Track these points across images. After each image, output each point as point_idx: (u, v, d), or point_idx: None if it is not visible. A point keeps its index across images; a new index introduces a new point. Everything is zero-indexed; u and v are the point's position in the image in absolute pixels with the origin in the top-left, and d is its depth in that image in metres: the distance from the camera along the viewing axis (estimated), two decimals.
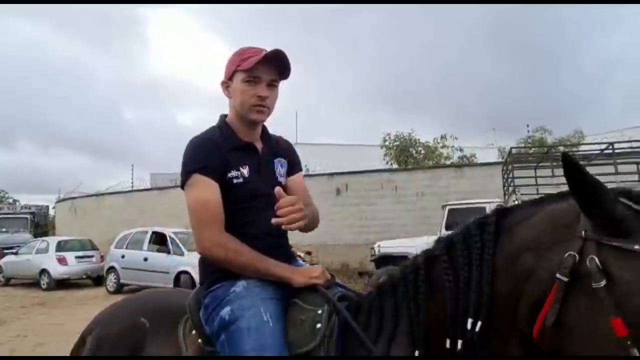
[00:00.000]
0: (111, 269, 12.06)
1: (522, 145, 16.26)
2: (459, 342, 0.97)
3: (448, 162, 17.01)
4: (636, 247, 0.80)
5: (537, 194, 9.12)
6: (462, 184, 13.11)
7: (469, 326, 0.96)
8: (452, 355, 0.99)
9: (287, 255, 1.43)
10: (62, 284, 13.36)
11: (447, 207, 9.62)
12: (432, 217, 11.30)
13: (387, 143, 17.96)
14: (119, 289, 11.73)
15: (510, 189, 9.20)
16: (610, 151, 8.50)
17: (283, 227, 1.24)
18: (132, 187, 21.19)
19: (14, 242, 17.45)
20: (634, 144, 9.06)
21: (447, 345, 0.99)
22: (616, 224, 0.83)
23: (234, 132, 1.42)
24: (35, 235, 19.75)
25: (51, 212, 26.31)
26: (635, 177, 8.98)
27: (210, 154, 1.33)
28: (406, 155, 17.45)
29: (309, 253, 10.19)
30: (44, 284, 13.05)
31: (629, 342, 0.78)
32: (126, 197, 19.12)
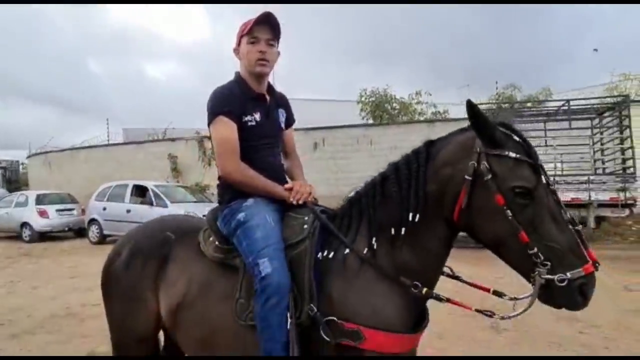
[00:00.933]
0: (93, 220, 12.30)
1: (493, 101, 16.85)
2: (403, 229, 1.45)
3: (422, 118, 17.50)
4: (505, 153, 1.33)
5: None
6: (434, 138, 13.62)
7: (410, 217, 1.44)
8: (394, 239, 1.47)
9: (283, 182, 1.84)
10: (44, 236, 13.56)
11: None
12: None
13: (363, 99, 18.25)
14: (102, 240, 12.06)
15: None
16: (566, 108, 9.16)
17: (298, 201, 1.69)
18: (109, 141, 20.95)
19: None
20: (590, 101, 9.73)
21: (392, 232, 1.47)
22: (495, 141, 1.34)
23: (248, 85, 1.80)
24: (9, 191, 19.54)
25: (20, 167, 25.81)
26: (588, 132, 9.75)
27: (231, 101, 1.71)
28: (381, 111, 17.85)
29: None
30: (26, 237, 13.23)
31: (504, 207, 1.31)
32: (102, 151, 18.91)
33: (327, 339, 1.42)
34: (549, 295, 1.30)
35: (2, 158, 24.50)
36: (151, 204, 11.12)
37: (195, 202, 11.50)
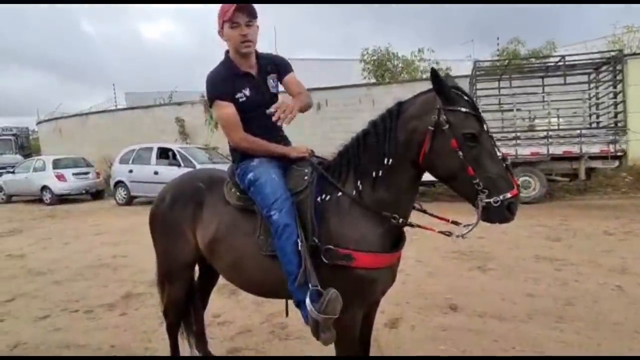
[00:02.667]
0: (119, 183, 12.76)
1: (496, 58, 16.81)
2: (380, 172, 1.86)
3: (424, 76, 17.52)
4: (458, 108, 1.71)
5: (499, 103, 10.06)
6: None
7: (385, 162, 1.85)
8: (374, 181, 1.87)
9: (280, 141, 2.19)
10: (63, 199, 14.25)
11: None
12: None
13: (365, 58, 18.20)
14: (129, 201, 12.61)
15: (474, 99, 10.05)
16: (561, 64, 9.33)
17: (279, 122, 1.88)
18: (116, 106, 21.24)
19: (6, 163, 17.98)
20: (588, 55, 9.83)
21: (373, 175, 1.88)
22: (451, 100, 1.73)
23: (235, 65, 2.07)
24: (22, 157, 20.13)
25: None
26: (585, 87, 9.94)
27: (222, 85, 2.03)
28: (383, 70, 17.84)
29: None
30: (46, 200, 13.92)
31: (457, 149, 1.65)
32: (110, 116, 19.26)
33: (326, 261, 1.79)
34: (488, 214, 1.72)
35: (12, 125, 24.91)
36: (178, 165, 11.49)
37: (219, 163, 11.75)
